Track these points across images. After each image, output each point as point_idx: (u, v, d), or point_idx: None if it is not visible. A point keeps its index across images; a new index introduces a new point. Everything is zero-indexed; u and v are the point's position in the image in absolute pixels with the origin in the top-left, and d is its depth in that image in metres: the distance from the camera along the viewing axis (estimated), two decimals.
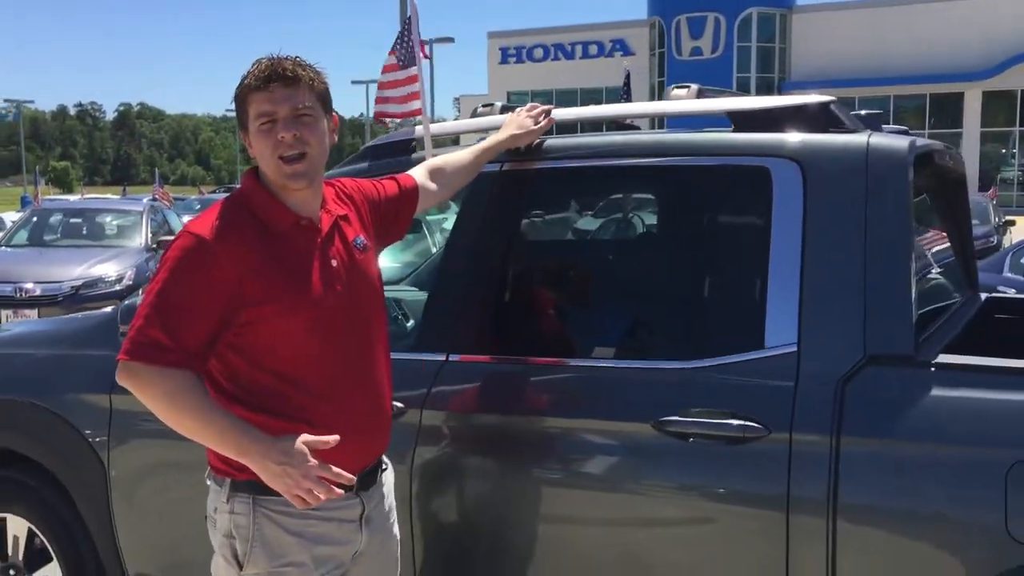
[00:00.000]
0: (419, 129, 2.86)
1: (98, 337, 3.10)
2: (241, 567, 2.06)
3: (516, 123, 2.64)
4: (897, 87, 37.50)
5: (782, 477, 2.16)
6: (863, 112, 3.01)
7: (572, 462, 2.43)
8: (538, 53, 44.23)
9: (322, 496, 1.91)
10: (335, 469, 1.93)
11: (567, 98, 40.16)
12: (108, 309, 3.19)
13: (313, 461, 1.91)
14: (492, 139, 2.61)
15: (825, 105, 2.46)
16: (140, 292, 3.07)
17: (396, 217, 2.38)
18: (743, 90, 38.42)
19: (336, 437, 1.93)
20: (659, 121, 4.57)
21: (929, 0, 36.82)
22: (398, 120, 2.90)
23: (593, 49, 42.87)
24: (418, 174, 2.49)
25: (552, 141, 2.71)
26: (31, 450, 3.18)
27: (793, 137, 2.40)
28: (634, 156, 2.61)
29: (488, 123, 2.92)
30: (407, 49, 2.78)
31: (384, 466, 2.25)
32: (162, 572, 3.05)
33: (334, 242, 2.10)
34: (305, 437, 1.93)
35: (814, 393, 2.18)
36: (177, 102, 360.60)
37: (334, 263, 2.07)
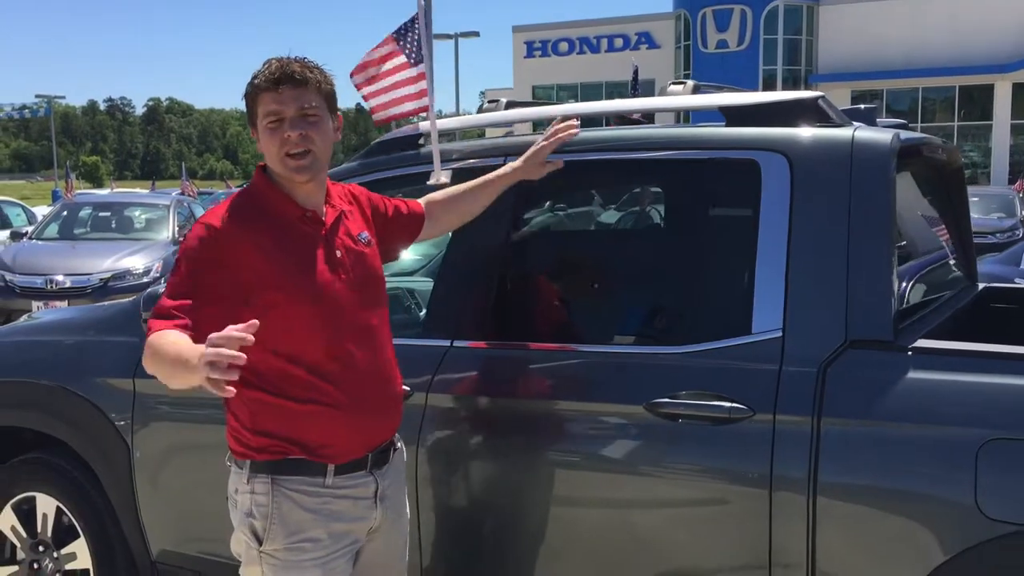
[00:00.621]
0: (425, 124, 2.97)
1: (122, 324, 3.25)
2: (261, 543, 2.18)
3: (529, 155, 2.56)
4: (926, 79, 37.17)
5: (766, 456, 2.26)
6: (862, 106, 3.10)
7: (569, 443, 2.54)
8: (563, 47, 44.20)
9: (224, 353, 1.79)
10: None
11: (593, 91, 40.14)
12: (132, 298, 3.33)
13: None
14: (499, 172, 2.59)
15: (813, 100, 2.55)
16: (163, 281, 3.21)
17: (394, 237, 2.47)
18: (770, 83, 38.24)
19: (254, 322, 1.84)
20: (684, 115, 4.65)
21: None
22: (399, 119, 3.00)
23: (619, 42, 42.77)
24: (423, 204, 2.56)
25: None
26: (59, 432, 3.33)
27: (781, 131, 2.50)
28: (631, 151, 2.71)
29: (493, 119, 3.04)
30: (415, 46, 2.88)
31: (397, 446, 2.36)
32: (183, 548, 3.19)
33: (338, 234, 2.22)
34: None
35: (797, 376, 2.28)
36: (206, 97, 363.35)
37: (339, 253, 2.19)
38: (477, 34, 37.20)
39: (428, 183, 2.79)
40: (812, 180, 2.40)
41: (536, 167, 2.57)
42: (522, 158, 2.57)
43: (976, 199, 18.04)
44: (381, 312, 2.29)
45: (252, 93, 2.14)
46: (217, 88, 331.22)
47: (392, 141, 3.15)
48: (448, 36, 36.53)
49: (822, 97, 2.57)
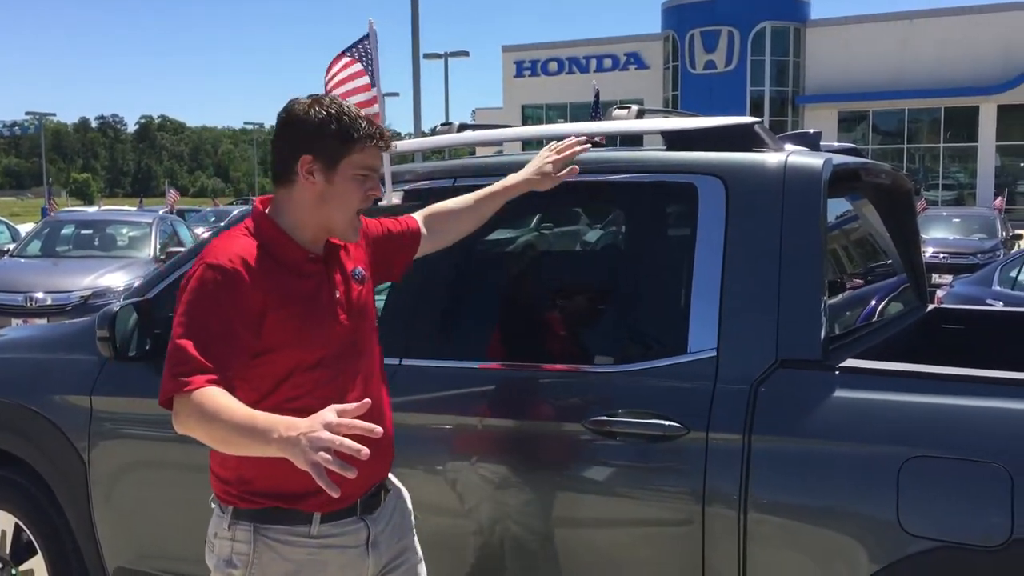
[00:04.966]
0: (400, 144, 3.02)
1: (79, 342, 3.28)
2: None
3: (536, 167, 2.49)
4: (912, 100, 37.51)
5: (699, 473, 2.31)
6: (811, 130, 3.16)
7: (509, 460, 2.58)
8: (552, 67, 44.46)
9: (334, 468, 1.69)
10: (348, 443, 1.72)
11: (581, 111, 40.34)
12: (89, 317, 3.37)
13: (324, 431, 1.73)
14: (504, 182, 2.51)
15: (749, 126, 2.61)
16: (121, 299, 3.25)
17: (394, 257, 2.40)
18: (757, 104, 38.53)
19: (367, 402, 1.82)
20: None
21: (944, 15, 36.84)
22: None
23: (608, 63, 43.05)
24: (419, 218, 2.48)
25: (498, 159, 2.87)
26: (18, 449, 3.36)
27: (718, 155, 2.56)
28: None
29: (445, 142, 3.09)
30: (371, 69, 2.94)
31: (389, 488, 2.25)
32: (138, 566, 3.22)
33: (336, 274, 2.15)
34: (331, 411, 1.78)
35: (729, 394, 2.33)
36: (198, 115, 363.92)
37: (337, 294, 2.12)
38: (467, 54, 37.37)
39: (379, 204, 2.83)
40: (746, 203, 2.46)
41: (545, 179, 2.48)
42: (529, 169, 2.49)
43: (958, 220, 18.21)
44: (374, 352, 2.23)
45: (357, 140, 2.03)
46: (209, 106, 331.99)
47: None
48: (438, 55, 36.68)
49: (758, 122, 2.63)
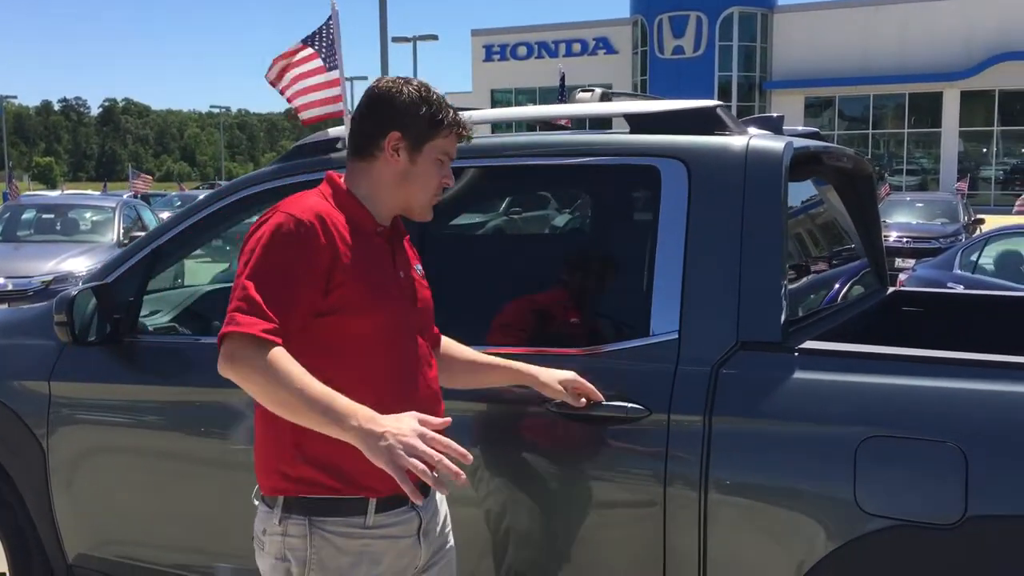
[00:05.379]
0: (335, 130, 3.00)
1: (37, 327, 3.23)
2: None
3: (557, 379, 2.37)
4: (877, 86, 37.90)
5: (660, 455, 2.33)
6: (773, 114, 3.18)
7: (472, 443, 2.57)
8: (522, 51, 44.40)
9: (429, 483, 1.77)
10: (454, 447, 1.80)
11: (551, 96, 40.28)
12: (46, 302, 3.32)
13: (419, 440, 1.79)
14: (519, 365, 2.40)
15: (712, 109, 2.62)
16: (80, 284, 3.20)
17: None
18: (725, 89, 38.73)
19: (447, 420, 1.91)
20: None
21: (908, 1, 37.18)
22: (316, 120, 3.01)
23: (576, 47, 43.08)
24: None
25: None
26: None
27: (680, 138, 2.56)
28: (536, 156, 2.76)
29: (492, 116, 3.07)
30: (329, 50, 2.91)
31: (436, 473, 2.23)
32: (99, 552, 3.19)
33: (401, 254, 2.17)
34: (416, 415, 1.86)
35: (691, 377, 2.35)
36: (163, 98, 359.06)
37: (402, 273, 2.14)
38: (436, 37, 37.15)
39: None
40: (708, 186, 2.47)
41: (552, 389, 2.37)
42: (554, 379, 2.36)
43: (921, 205, 18.42)
44: (431, 337, 2.25)
45: (444, 126, 2.09)
46: (174, 89, 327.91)
47: (311, 145, 3.17)
48: (406, 39, 36.46)
49: (721, 106, 2.64)
